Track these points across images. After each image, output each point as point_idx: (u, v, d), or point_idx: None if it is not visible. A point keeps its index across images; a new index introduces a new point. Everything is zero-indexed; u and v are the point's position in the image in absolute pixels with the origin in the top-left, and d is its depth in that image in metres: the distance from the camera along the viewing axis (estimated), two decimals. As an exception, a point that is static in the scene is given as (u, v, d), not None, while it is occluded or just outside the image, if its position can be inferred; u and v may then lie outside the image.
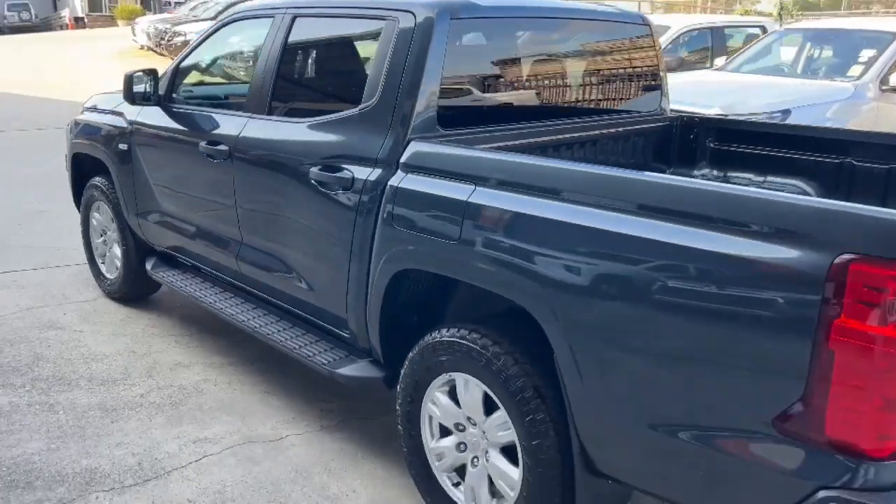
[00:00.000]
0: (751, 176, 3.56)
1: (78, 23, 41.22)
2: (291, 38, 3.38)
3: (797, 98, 6.30)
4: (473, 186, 2.48)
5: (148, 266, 4.43)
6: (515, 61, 3.21)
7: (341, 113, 3.04)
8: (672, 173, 3.79)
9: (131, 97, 3.96)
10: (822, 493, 1.77)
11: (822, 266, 1.72)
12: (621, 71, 3.61)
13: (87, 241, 5.04)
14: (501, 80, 3.18)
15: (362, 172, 2.84)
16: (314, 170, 3.01)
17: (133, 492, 2.98)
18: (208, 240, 3.84)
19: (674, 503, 2.18)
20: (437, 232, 2.56)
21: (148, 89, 3.98)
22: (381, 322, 2.87)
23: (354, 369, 3.09)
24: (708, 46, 8.79)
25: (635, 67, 3.64)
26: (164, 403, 3.66)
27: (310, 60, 3.44)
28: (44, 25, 44.24)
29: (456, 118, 2.89)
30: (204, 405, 3.66)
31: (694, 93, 6.58)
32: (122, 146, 4.33)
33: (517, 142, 2.98)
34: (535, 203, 2.29)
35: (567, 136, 3.19)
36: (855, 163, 3.24)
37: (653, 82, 3.73)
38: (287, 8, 3.44)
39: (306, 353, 3.24)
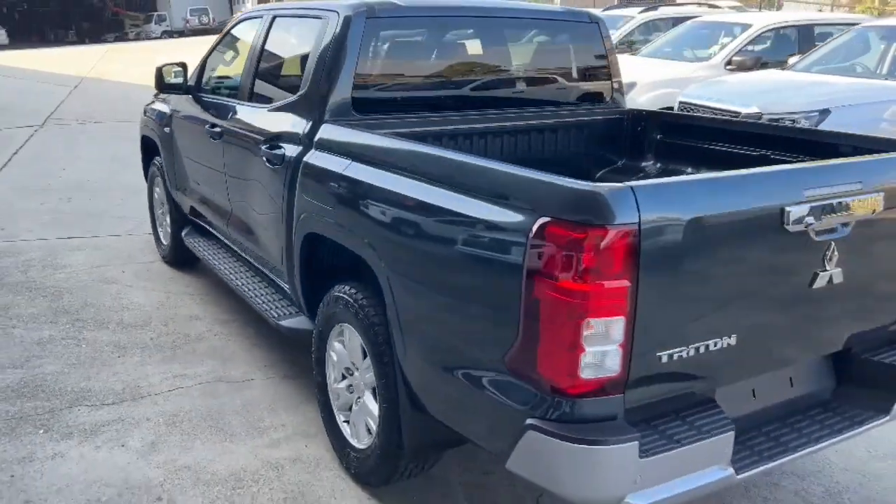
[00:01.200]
0: (688, 168, 3.69)
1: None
2: (268, 36, 3.92)
3: (839, 98, 6.10)
4: (349, 161, 2.89)
5: (183, 233, 5.15)
6: (433, 56, 3.57)
7: (286, 100, 3.53)
8: (622, 165, 3.99)
9: (161, 87, 4.66)
10: (528, 421, 2.05)
11: (527, 227, 2.00)
12: (555, 66, 3.86)
13: (151, 212, 5.86)
14: (419, 73, 3.55)
15: (291, 150, 3.32)
16: (264, 147, 3.52)
17: (108, 408, 3.62)
18: (212, 208, 4.47)
19: (467, 439, 2.49)
20: (324, 199, 3.00)
21: (178, 80, 4.65)
22: (301, 280, 3.34)
23: (293, 322, 3.57)
24: (794, 45, 8.54)
25: (576, 63, 3.88)
26: (166, 346, 4.31)
27: (276, 54, 3.95)
28: (221, 28, 48.20)
29: (371, 105, 3.30)
30: (197, 350, 4.28)
31: (736, 92, 6.53)
32: (167, 129, 5.06)
33: (425, 128, 3.36)
34: (375, 173, 2.69)
35: (481, 125, 3.52)
36: (772, 157, 3.33)
37: (600, 77, 3.94)
38: (270, 10, 3.99)
39: (264, 307, 3.76)
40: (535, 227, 1.98)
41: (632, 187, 1.92)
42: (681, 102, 6.90)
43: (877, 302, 2.60)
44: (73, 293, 5.07)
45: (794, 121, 5.92)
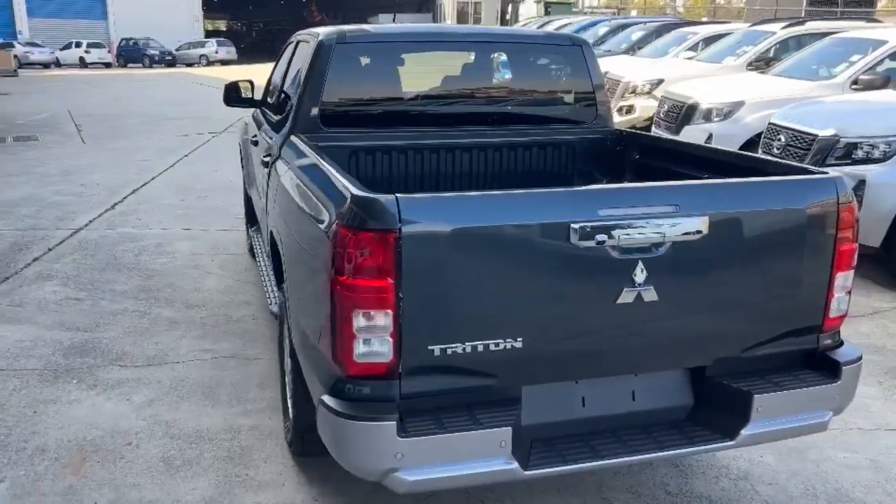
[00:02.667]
0: None
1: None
2: (292, 58, 4.47)
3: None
4: (286, 168, 3.34)
5: (251, 228, 5.87)
6: (400, 78, 3.91)
7: (283, 115, 4.05)
8: (604, 183, 4.10)
9: (227, 101, 5.36)
10: (321, 397, 2.38)
11: (329, 229, 2.34)
12: (531, 87, 4.05)
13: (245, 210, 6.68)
14: (387, 93, 3.91)
15: (271, 158, 3.83)
16: (265, 157, 4.07)
17: (134, 369, 4.32)
18: (255, 200, 5.11)
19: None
20: (274, 201, 3.47)
21: (244, 95, 5.34)
22: (274, 270, 3.83)
23: (276, 308, 4.08)
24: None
25: (555, 84, 4.04)
26: (209, 324, 4.99)
27: (290, 74, 4.48)
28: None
29: (338, 120, 3.72)
30: (231, 330, 4.91)
31: (820, 114, 6.19)
32: (246, 137, 5.80)
33: (391, 143, 3.72)
34: (285, 178, 3.13)
35: (448, 141, 3.81)
36: None
37: (583, 98, 4.07)
38: (301, 33, 4.54)
39: (268, 292, 4.30)
40: (332, 230, 2.31)
41: (397, 197, 2.19)
42: (769, 123, 6.63)
43: (716, 325, 2.60)
44: (163, 275, 5.94)
45: (872, 145, 5.54)
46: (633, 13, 31.41)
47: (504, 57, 4.12)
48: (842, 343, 2.83)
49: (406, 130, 3.82)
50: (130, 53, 44.41)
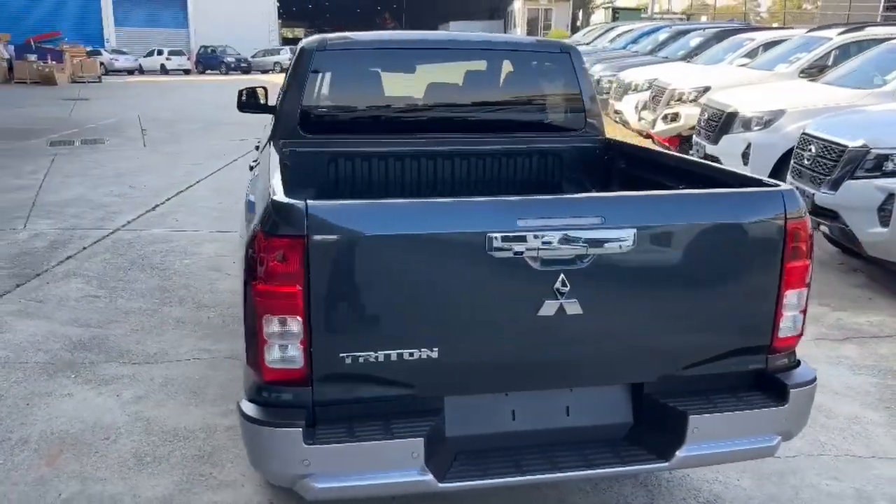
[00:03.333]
0: None
1: (515, 48, 46.26)
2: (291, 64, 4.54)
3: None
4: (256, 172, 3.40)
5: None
6: (381, 84, 3.91)
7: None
8: (592, 191, 4.02)
9: (240, 106, 5.47)
10: (239, 403, 2.40)
11: (252, 236, 2.35)
12: (516, 94, 3.99)
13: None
14: (369, 100, 3.92)
15: (254, 164, 3.90)
16: (252, 162, 4.15)
17: (131, 366, 4.45)
18: None
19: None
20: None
21: (256, 100, 5.45)
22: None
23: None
24: None
25: (541, 91, 3.98)
26: (215, 325, 5.10)
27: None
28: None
29: (318, 126, 3.76)
30: (235, 331, 4.95)
31: (853, 124, 5.91)
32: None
33: (371, 149, 3.74)
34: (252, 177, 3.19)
35: (427, 148, 3.80)
36: None
37: (571, 106, 3.99)
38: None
39: None
40: (252, 235, 2.33)
41: (306, 203, 2.20)
42: (802, 133, 6.36)
43: (649, 341, 2.51)
44: (182, 276, 6.11)
45: (903, 157, 5.26)
46: (703, 19, 30.66)
47: (501, 64, 4.07)
48: (797, 364, 2.69)
49: (387, 137, 3.83)
50: (208, 61, 45.93)
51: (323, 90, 3.79)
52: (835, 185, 5.68)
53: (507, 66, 4.06)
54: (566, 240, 2.30)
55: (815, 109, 7.40)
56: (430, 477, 2.31)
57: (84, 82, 31.54)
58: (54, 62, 31.62)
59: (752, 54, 12.03)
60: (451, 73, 4.01)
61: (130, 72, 42.31)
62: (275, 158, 3.08)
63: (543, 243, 2.28)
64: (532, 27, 47.67)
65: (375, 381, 2.34)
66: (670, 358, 2.54)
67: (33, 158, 11.79)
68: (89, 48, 39.77)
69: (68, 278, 6.00)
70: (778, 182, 2.65)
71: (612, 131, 14.27)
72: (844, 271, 6.42)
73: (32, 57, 32.09)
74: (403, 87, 4.00)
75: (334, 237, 2.22)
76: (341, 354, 2.29)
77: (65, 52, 34.10)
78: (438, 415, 2.42)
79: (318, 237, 2.19)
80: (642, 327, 2.48)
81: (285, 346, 2.26)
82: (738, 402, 2.53)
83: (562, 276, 2.32)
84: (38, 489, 3.25)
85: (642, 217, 2.37)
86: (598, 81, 14.53)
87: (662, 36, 16.70)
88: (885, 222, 5.31)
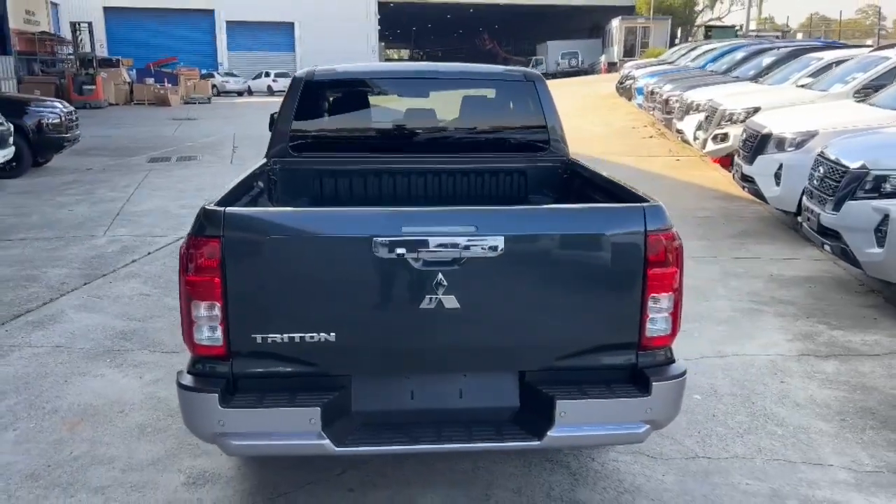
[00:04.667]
0: None
1: (611, 67, 46.15)
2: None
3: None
4: None
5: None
6: (363, 111, 4.41)
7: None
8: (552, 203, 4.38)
9: (271, 126, 6.10)
10: (178, 373, 2.93)
11: (189, 236, 2.90)
12: (484, 118, 4.40)
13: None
14: (352, 124, 4.42)
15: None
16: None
17: (160, 355, 5.11)
18: None
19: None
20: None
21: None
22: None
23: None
24: None
25: (507, 115, 4.38)
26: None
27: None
28: (590, 70, 50.83)
29: (306, 148, 4.30)
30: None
31: (858, 146, 5.96)
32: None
33: (350, 167, 4.25)
34: None
35: (403, 166, 4.27)
36: None
37: (535, 129, 4.37)
38: None
39: None
40: (187, 236, 2.87)
41: (224, 210, 2.71)
42: (817, 155, 6.44)
43: (523, 334, 2.87)
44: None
45: (900, 178, 5.30)
46: (799, 36, 29.77)
47: (470, 91, 4.52)
48: (670, 361, 2.98)
49: (368, 156, 4.33)
50: (312, 82, 48.05)
51: (311, 115, 4.33)
52: (837, 206, 5.76)
53: (477, 93, 4.48)
54: (443, 245, 2.71)
55: (849, 130, 7.39)
56: (326, 441, 2.76)
57: (195, 103, 33.75)
58: (169, 85, 34.03)
59: (819, 74, 11.86)
60: (429, 99, 4.47)
61: (240, 93, 44.82)
62: (245, 174, 3.63)
63: (423, 247, 2.70)
64: (630, 46, 47.35)
65: (282, 359, 2.82)
66: (544, 350, 2.90)
67: (131, 173, 12.99)
68: (203, 71, 42.53)
69: (128, 279, 6.80)
70: (650, 199, 2.97)
71: (679, 151, 14.34)
72: (861, 292, 6.42)
73: (150, 80, 34.67)
74: (383, 111, 4.49)
75: (244, 238, 2.72)
76: (252, 335, 2.78)
77: (180, 75, 36.67)
78: (342, 391, 2.87)
79: (231, 238, 2.69)
80: (517, 322, 2.85)
81: (208, 327, 2.78)
82: (604, 391, 2.86)
83: (440, 275, 2.73)
84: (55, 447, 3.89)
85: (511, 227, 2.76)
86: (667, 101, 14.60)
87: (739, 55, 16.55)
88: (881, 243, 5.38)
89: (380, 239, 2.69)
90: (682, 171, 12.50)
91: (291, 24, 52.13)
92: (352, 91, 4.47)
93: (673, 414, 2.98)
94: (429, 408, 2.97)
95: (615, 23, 48.18)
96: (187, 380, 2.84)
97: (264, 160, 4.25)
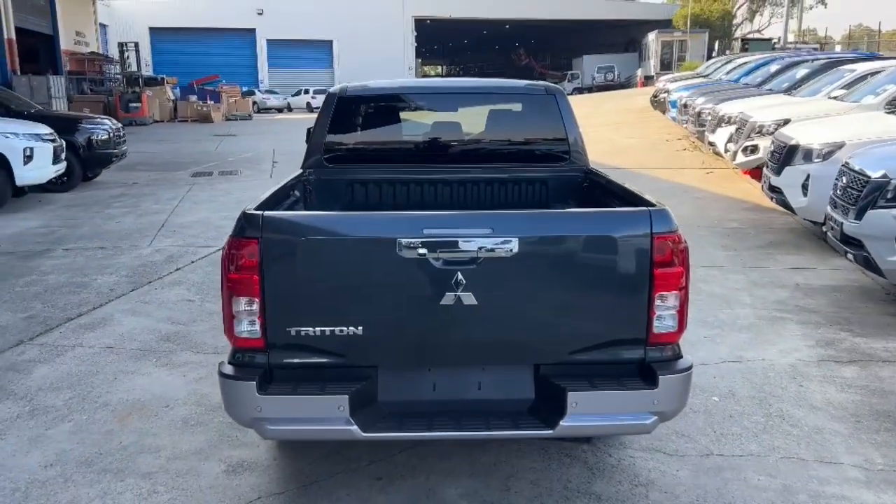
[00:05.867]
0: None
1: (647, 81, 46.06)
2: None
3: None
4: None
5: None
6: (393, 124, 4.66)
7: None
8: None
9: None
10: (219, 363, 3.19)
11: (229, 237, 3.17)
12: (508, 130, 4.62)
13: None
14: (382, 136, 4.68)
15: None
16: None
17: (202, 355, 5.40)
18: None
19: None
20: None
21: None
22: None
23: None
24: None
25: (530, 128, 4.60)
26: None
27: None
28: (626, 83, 50.84)
29: (339, 159, 4.57)
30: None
31: (879, 155, 6.05)
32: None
33: (380, 176, 4.51)
34: None
35: (433, 176, 4.51)
36: None
37: (556, 140, 4.58)
38: None
39: None
40: (229, 238, 3.14)
41: (262, 214, 2.98)
42: (841, 165, 6.53)
43: (538, 329, 3.07)
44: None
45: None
46: (838, 48, 29.50)
47: (495, 105, 4.76)
48: (678, 357, 3.16)
49: (397, 167, 4.58)
50: (350, 98, 48.81)
51: (344, 128, 4.60)
52: (859, 215, 5.86)
53: (500, 106, 4.72)
54: (461, 245, 2.94)
55: (873, 142, 7.46)
56: (354, 427, 2.99)
57: (236, 119, 34.57)
58: (212, 102, 34.90)
59: (852, 86, 11.86)
60: (456, 113, 4.72)
61: (280, 110, 45.72)
62: (282, 183, 3.91)
63: (443, 247, 2.93)
64: (667, 59, 47.23)
65: (314, 350, 3.07)
66: (558, 345, 3.10)
67: (175, 187, 13.47)
68: (245, 89, 43.52)
69: (173, 286, 7.14)
70: (657, 203, 3.16)
71: (712, 163, 14.39)
72: (886, 300, 6.48)
73: (193, 98, 35.58)
74: (412, 125, 4.75)
75: (281, 239, 2.98)
76: (287, 328, 3.03)
77: (222, 92, 37.59)
78: (370, 381, 3.11)
79: (269, 239, 2.96)
80: (531, 317, 3.06)
81: (248, 321, 3.04)
82: (614, 384, 3.05)
83: (459, 273, 2.96)
84: (106, 437, 4.19)
85: (525, 229, 2.98)
86: (699, 114, 14.68)
87: (774, 68, 16.54)
88: (901, 251, 5.46)
89: (403, 240, 2.93)
90: (714, 183, 12.57)
91: (330, 42, 53.07)
92: (382, 106, 4.74)
93: (679, 406, 3.15)
94: (449, 399, 3.19)
95: (651, 36, 48.14)
96: (228, 369, 3.10)
97: (300, 171, 4.53)
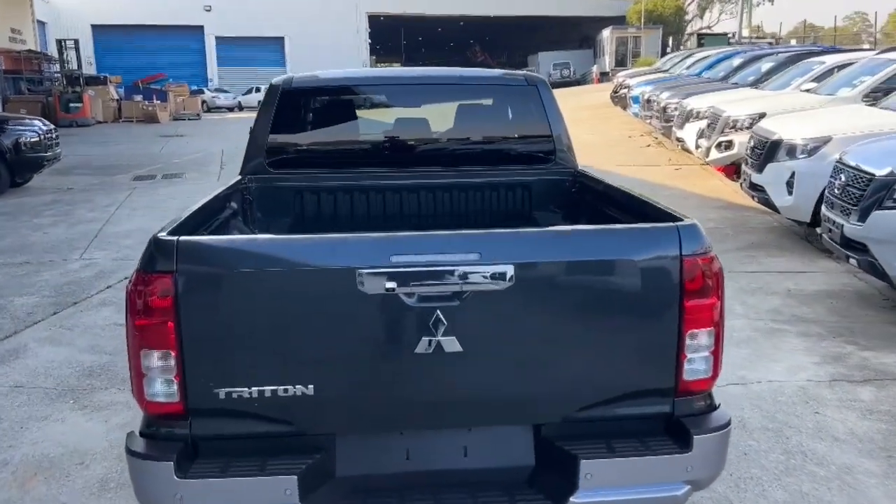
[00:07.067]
0: None
1: (602, 77, 45.86)
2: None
3: None
4: None
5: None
6: (347, 121, 3.96)
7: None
8: (560, 224, 3.93)
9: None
10: (127, 434, 2.46)
11: (136, 269, 2.44)
12: (481, 128, 3.96)
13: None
14: (335, 136, 3.97)
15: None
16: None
17: (129, 393, 4.63)
18: None
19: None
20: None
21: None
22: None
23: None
24: None
25: (507, 124, 3.94)
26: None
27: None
28: (581, 80, 50.56)
29: (285, 162, 3.85)
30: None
31: (882, 152, 5.55)
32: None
33: (333, 183, 3.80)
34: None
35: (393, 182, 3.82)
36: None
37: (539, 138, 3.93)
38: None
39: None
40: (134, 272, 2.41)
41: (177, 240, 2.26)
42: (836, 162, 6.02)
43: (539, 380, 2.42)
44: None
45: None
46: (793, 42, 29.54)
47: (465, 98, 4.08)
48: (713, 408, 2.53)
49: (354, 172, 3.88)
50: (303, 96, 47.68)
51: (290, 126, 3.89)
52: (863, 216, 5.35)
53: (473, 100, 4.05)
54: (441, 276, 2.26)
55: (865, 136, 6.99)
56: None
57: (184, 119, 33.30)
58: (158, 101, 33.54)
59: (822, 78, 11.50)
60: (421, 108, 4.03)
61: (230, 109, 44.33)
62: (213, 194, 3.18)
63: (417, 280, 2.25)
64: (621, 55, 47.12)
65: (252, 417, 2.36)
66: (564, 399, 2.44)
67: (114, 192, 12.52)
68: (193, 88, 42.09)
69: (101, 307, 6.33)
70: (684, 217, 2.52)
71: (679, 159, 13.94)
72: (886, 307, 6.00)
73: (139, 97, 34.16)
74: (371, 122, 4.05)
75: (203, 272, 2.27)
76: (215, 390, 2.32)
77: (168, 91, 36.20)
78: (325, 453, 2.41)
79: (187, 272, 2.24)
80: (530, 366, 2.40)
81: (162, 381, 2.32)
82: (638, 448, 2.40)
83: (437, 312, 2.28)
84: (1, 509, 3.42)
85: (521, 253, 2.31)
86: (665, 109, 14.23)
87: (736, 62, 16.20)
88: (913, 256, 4.95)
89: (365, 271, 2.24)
90: (683, 180, 12.09)
91: (281, 39, 51.76)
92: (335, 100, 4.03)
93: (716, 472, 2.53)
94: (428, 469, 2.51)
95: (606, 33, 47.95)
96: (138, 444, 2.37)
97: (238, 177, 3.80)
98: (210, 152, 19.00)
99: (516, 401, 2.44)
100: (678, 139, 12.57)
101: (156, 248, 2.28)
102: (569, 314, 2.38)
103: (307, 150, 3.98)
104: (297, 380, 2.32)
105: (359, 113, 4.08)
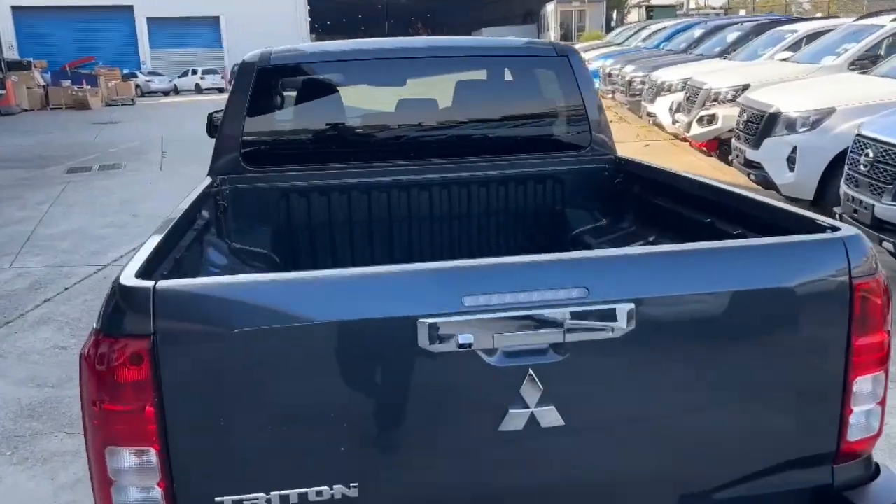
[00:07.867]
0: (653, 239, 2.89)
1: (548, 52, 45.29)
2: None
3: None
4: None
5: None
6: (341, 104, 3.25)
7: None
8: (603, 226, 3.30)
9: (210, 131, 4.88)
10: None
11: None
12: (504, 109, 3.29)
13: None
14: (323, 123, 3.26)
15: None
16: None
17: (79, 437, 3.85)
18: None
19: None
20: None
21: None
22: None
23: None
24: None
25: (533, 105, 3.28)
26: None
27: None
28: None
29: (265, 158, 3.12)
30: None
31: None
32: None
33: (326, 182, 3.08)
34: None
35: (400, 177, 3.13)
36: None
37: (572, 120, 3.29)
38: None
39: None
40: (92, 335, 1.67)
41: (154, 287, 1.55)
42: (856, 135, 5.54)
43: (660, 455, 1.79)
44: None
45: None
46: (742, 12, 29.46)
47: (486, 73, 3.39)
48: (877, 473, 1.95)
49: (351, 167, 3.17)
50: (242, 78, 46.06)
51: (269, 114, 3.16)
52: (900, 195, 4.86)
53: (493, 76, 3.37)
54: (534, 323, 1.60)
55: (871, 106, 6.54)
56: None
57: (118, 105, 31.69)
58: (88, 87, 31.80)
59: (794, 48, 11.11)
60: (427, 85, 3.33)
61: (166, 93, 42.53)
62: (185, 204, 2.45)
63: (500, 330, 1.59)
64: (566, 30, 46.72)
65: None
66: (695, 479, 1.82)
67: (45, 187, 11.46)
68: (125, 71, 40.18)
69: (39, 326, 5.49)
70: (836, 223, 1.91)
71: (647, 135, 13.48)
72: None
73: (67, 83, 32.32)
74: (368, 105, 3.33)
75: (194, 332, 1.56)
76: (217, 498, 1.62)
77: (99, 76, 34.39)
78: None
79: (170, 334, 1.53)
80: (655, 441, 1.77)
81: (138, 488, 1.61)
82: None
83: (530, 373, 1.62)
84: None
85: (644, 286, 1.67)
86: (630, 83, 13.74)
87: (698, 32, 15.79)
88: (962, 238, 4.49)
89: (429, 320, 1.57)
90: (655, 156, 11.60)
91: (217, 19, 49.76)
92: (323, 79, 3.30)
93: None
94: None
95: (550, 7, 47.46)
96: None
97: (208, 179, 3.05)
98: (148, 139, 17.88)
99: (636, 486, 1.80)
100: (649, 114, 12.08)
101: (122, 300, 1.56)
102: (701, 366, 1.75)
103: (291, 142, 3.26)
104: (334, 478, 1.64)
105: (353, 94, 3.36)
